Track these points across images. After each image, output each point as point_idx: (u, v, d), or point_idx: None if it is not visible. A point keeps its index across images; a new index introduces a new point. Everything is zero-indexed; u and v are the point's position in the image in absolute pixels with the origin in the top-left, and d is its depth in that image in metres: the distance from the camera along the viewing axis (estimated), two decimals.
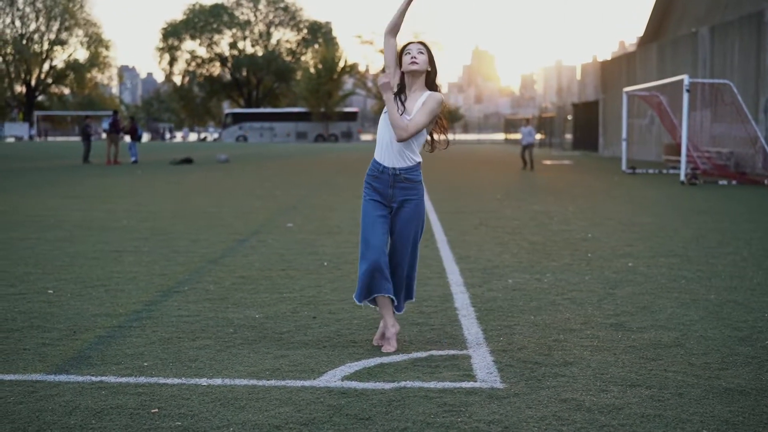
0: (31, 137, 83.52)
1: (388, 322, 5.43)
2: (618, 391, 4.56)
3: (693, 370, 4.95)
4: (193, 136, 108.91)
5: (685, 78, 23.49)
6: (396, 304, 5.50)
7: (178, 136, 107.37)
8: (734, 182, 22.86)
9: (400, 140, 5.27)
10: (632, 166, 29.04)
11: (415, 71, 5.35)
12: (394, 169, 5.34)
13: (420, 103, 5.33)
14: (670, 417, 4.16)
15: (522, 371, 4.95)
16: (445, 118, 5.56)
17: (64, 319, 6.24)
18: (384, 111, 5.39)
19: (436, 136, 5.56)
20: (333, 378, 4.81)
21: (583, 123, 53.89)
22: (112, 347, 5.47)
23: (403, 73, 5.42)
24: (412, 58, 5.32)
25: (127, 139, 33.77)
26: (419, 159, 5.43)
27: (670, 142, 31.18)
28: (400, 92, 5.42)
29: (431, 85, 5.44)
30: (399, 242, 5.43)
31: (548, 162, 36.59)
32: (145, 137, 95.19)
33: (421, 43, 5.41)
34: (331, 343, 5.58)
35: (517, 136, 73.62)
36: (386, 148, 5.38)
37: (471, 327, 6.04)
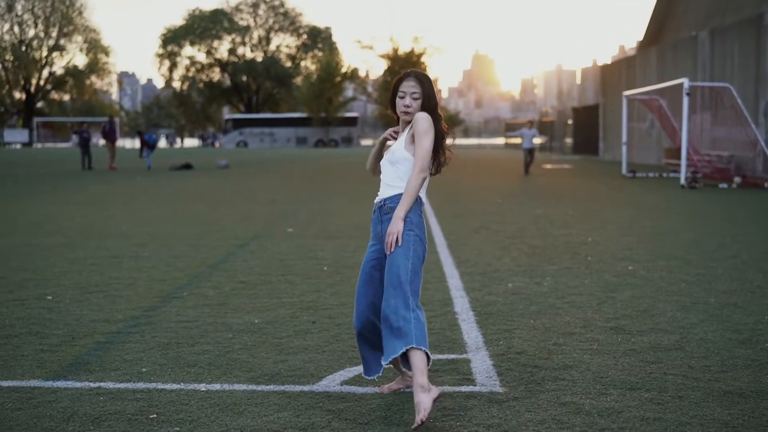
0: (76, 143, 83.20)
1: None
2: (618, 395, 4.55)
3: (693, 373, 4.94)
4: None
5: (685, 81, 23.48)
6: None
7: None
8: (734, 185, 22.85)
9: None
10: (632, 169, 29.02)
11: (407, 121, 4.64)
12: (382, 201, 4.62)
13: (406, 134, 4.60)
14: (670, 420, 4.14)
15: (521, 375, 4.94)
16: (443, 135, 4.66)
17: (62, 325, 6.23)
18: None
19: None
20: (332, 383, 4.80)
21: (583, 127, 53.88)
22: (111, 353, 5.45)
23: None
24: (405, 105, 4.58)
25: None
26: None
27: (670, 145, 31.19)
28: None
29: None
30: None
31: (549, 166, 36.58)
32: (195, 143, 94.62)
33: (417, 78, 4.59)
34: (330, 348, 5.57)
35: (518, 140, 73.50)
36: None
37: (470, 331, 6.03)
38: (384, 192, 4.62)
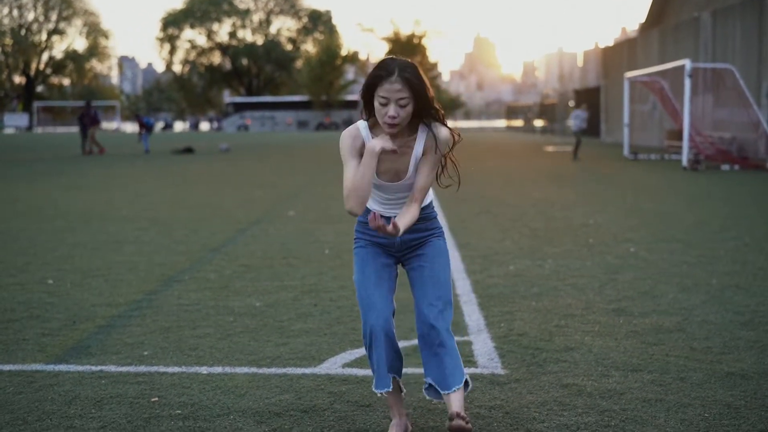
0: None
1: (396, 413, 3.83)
2: (619, 376, 4.55)
3: (694, 355, 4.94)
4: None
5: (687, 63, 23.41)
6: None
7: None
8: (736, 167, 22.81)
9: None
10: (634, 151, 28.99)
11: (391, 133, 3.58)
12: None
13: (420, 151, 3.64)
14: (672, 401, 4.14)
15: (523, 357, 4.93)
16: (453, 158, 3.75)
17: (63, 309, 6.23)
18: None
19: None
20: (334, 365, 4.80)
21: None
22: (112, 337, 5.45)
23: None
24: (390, 117, 3.50)
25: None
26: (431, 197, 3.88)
27: (672, 127, 31.12)
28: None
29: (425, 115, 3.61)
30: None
31: (550, 148, 36.53)
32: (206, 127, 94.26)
33: (403, 80, 3.47)
34: (332, 331, 5.57)
35: (519, 122, 73.25)
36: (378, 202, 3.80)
37: (472, 313, 6.03)
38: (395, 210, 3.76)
